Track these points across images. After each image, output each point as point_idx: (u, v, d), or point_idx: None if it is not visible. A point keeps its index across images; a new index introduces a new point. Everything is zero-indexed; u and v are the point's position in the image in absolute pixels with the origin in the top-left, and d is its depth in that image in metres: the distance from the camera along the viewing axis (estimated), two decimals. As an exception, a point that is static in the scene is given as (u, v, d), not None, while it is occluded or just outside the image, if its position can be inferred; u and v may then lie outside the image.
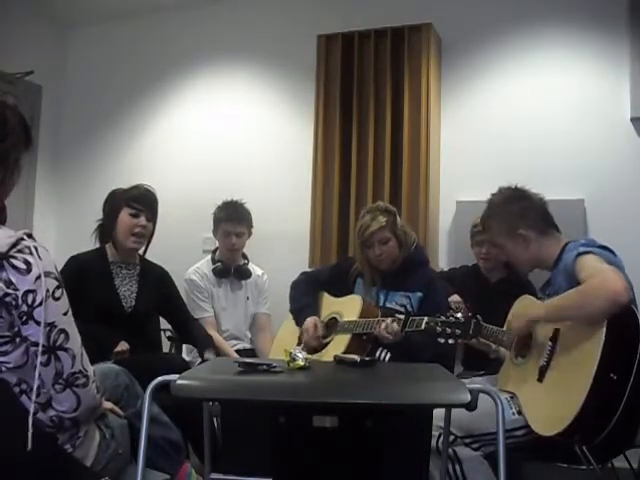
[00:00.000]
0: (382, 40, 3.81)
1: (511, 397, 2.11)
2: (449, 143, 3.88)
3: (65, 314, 1.44)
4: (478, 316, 2.34)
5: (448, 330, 2.32)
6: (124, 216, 2.77)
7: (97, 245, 2.87)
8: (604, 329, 1.86)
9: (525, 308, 2.27)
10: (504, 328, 2.32)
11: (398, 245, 2.89)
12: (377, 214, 2.86)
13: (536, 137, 3.68)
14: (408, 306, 2.86)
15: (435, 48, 3.79)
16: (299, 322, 2.97)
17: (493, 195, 2.40)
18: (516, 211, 2.31)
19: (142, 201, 2.79)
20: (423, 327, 2.43)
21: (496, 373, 2.34)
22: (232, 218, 3.45)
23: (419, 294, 2.86)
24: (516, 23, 3.79)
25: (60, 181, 4.76)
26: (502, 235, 2.36)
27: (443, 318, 2.35)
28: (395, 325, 2.59)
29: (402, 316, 2.60)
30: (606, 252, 2.13)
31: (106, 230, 2.83)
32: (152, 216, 2.82)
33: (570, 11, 3.68)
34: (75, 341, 1.45)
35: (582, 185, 3.55)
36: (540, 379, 2.03)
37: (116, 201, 2.81)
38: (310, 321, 2.89)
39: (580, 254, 2.08)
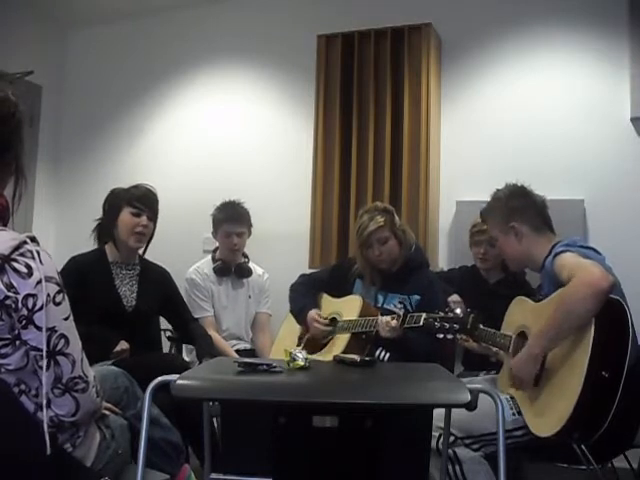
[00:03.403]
0: (382, 40, 3.81)
1: (511, 397, 2.11)
2: (449, 143, 3.88)
3: (66, 319, 1.42)
4: (476, 311, 2.35)
5: (446, 325, 2.32)
6: (125, 215, 2.76)
7: (96, 245, 2.86)
8: (592, 327, 1.86)
9: (519, 315, 2.27)
10: (501, 331, 2.32)
11: (398, 244, 2.88)
12: (375, 214, 2.86)
13: (536, 137, 3.68)
14: (408, 306, 2.85)
15: (435, 48, 3.79)
16: (301, 321, 2.97)
17: (498, 190, 2.43)
18: (514, 206, 2.34)
19: (144, 201, 2.78)
20: (422, 323, 2.44)
21: (496, 373, 2.34)
22: (232, 219, 3.45)
23: (417, 297, 2.86)
24: (516, 23, 3.79)
25: (60, 181, 4.76)
26: (497, 227, 2.39)
27: (441, 314, 2.36)
28: (394, 322, 2.60)
29: (401, 311, 2.62)
30: (585, 250, 2.13)
31: (106, 229, 2.82)
32: (153, 216, 2.82)
33: (570, 11, 3.68)
34: (75, 346, 1.44)
35: (582, 185, 3.55)
36: (535, 381, 2.03)
37: (117, 200, 2.80)
38: (312, 313, 2.91)
39: (557, 254, 2.10)
